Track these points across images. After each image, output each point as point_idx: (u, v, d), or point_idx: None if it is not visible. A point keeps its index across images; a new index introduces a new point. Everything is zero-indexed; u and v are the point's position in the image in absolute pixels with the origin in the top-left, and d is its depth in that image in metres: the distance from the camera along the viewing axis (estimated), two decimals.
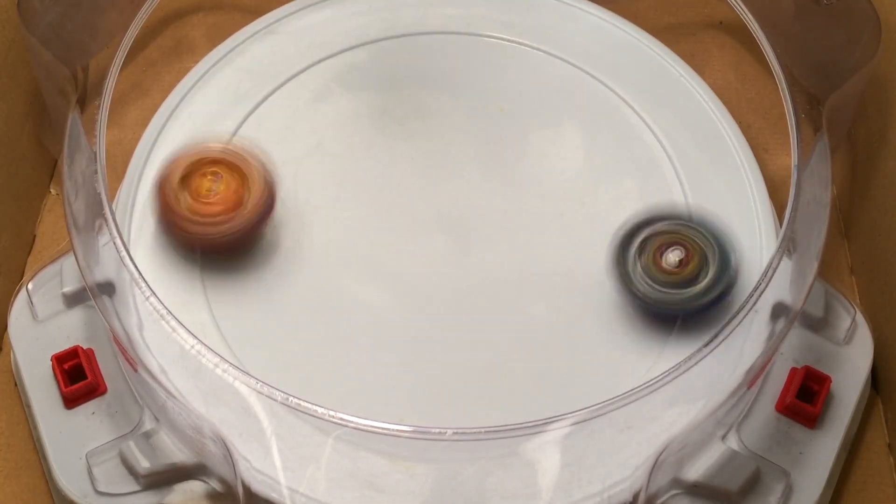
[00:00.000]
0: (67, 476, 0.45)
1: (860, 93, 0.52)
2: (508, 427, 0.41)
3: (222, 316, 0.48)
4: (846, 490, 0.48)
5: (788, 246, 0.45)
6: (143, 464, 0.44)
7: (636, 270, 0.47)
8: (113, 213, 0.45)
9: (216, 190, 0.48)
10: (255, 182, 0.48)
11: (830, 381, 0.46)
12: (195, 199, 0.48)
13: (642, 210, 0.49)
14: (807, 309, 0.48)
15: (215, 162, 0.48)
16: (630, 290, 0.47)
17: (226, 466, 0.43)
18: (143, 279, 0.43)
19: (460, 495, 0.43)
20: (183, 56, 0.61)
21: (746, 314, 0.43)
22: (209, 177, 0.48)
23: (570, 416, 0.41)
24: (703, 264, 0.47)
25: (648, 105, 0.55)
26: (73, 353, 0.47)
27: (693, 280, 0.46)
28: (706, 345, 0.42)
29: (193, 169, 0.48)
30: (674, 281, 0.47)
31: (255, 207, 0.48)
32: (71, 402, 0.46)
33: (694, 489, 0.44)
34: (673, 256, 0.46)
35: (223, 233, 0.48)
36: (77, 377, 0.46)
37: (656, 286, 0.47)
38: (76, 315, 0.49)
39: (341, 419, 0.40)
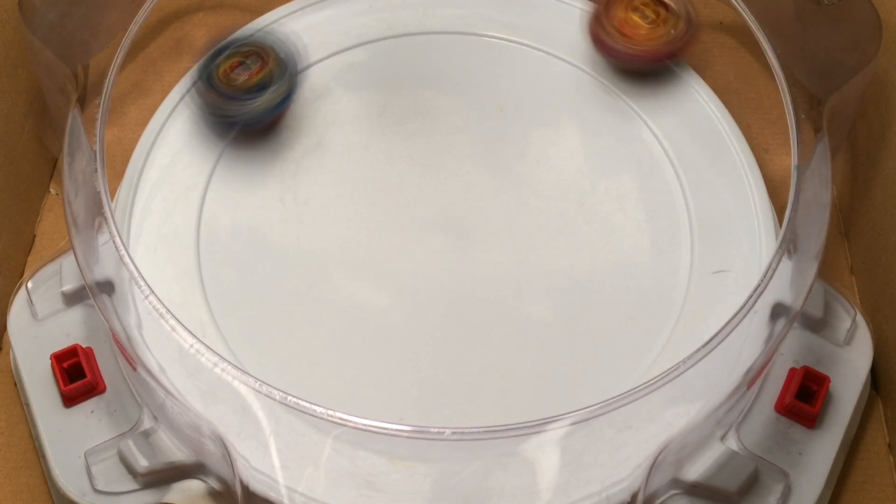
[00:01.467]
0: (66, 475, 0.45)
1: (861, 93, 0.52)
2: (507, 427, 0.41)
3: (221, 315, 0.48)
4: (846, 490, 0.48)
5: (788, 246, 0.45)
6: (142, 462, 0.44)
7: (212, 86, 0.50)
8: (112, 212, 0.45)
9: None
10: None
11: (829, 382, 0.46)
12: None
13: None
14: (806, 309, 0.48)
15: None
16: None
17: (224, 465, 0.43)
18: (143, 278, 0.43)
19: (459, 495, 0.43)
20: (183, 55, 0.61)
21: (746, 314, 0.43)
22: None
23: (569, 415, 0.41)
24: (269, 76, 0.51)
25: (648, 105, 0.55)
26: (73, 351, 0.47)
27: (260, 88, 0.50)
28: (705, 345, 0.42)
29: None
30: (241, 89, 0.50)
31: None
32: (70, 400, 0.46)
33: (693, 489, 0.44)
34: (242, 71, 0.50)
35: None
36: (76, 376, 0.46)
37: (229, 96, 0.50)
38: (75, 314, 0.49)
39: (340, 419, 0.40)
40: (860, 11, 0.51)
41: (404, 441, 0.41)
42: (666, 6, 0.53)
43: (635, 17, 0.53)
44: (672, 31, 0.53)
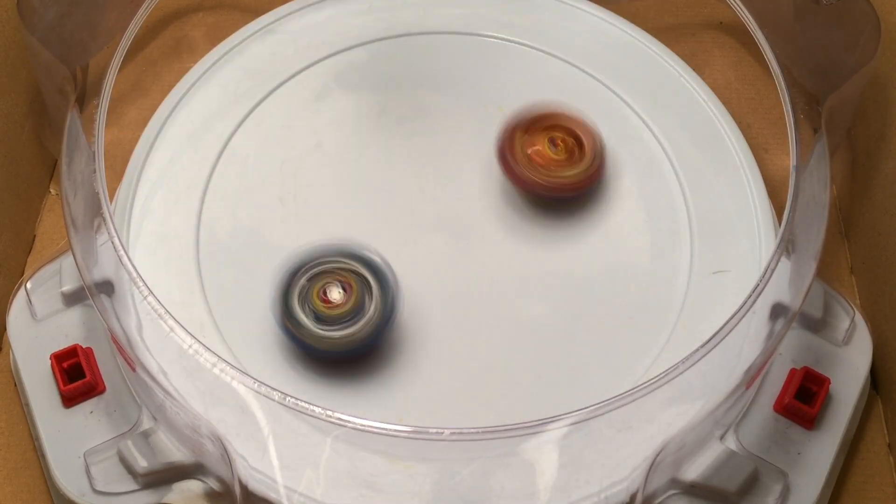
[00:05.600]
0: (66, 475, 0.45)
1: (860, 93, 0.52)
2: (506, 427, 0.41)
3: (221, 315, 0.48)
4: (846, 490, 0.48)
5: (787, 246, 0.45)
6: (141, 463, 0.44)
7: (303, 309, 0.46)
8: (111, 213, 0.45)
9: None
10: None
11: (829, 383, 0.46)
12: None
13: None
14: (805, 309, 0.48)
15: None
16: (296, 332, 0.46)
17: (223, 466, 0.43)
18: (141, 278, 0.43)
19: (458, 495, 0.43)
20: (183, 56, 0.61)
21: (745, 314, 0.43)
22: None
23: (568, 416, 0.41)
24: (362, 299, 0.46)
25: (648, 105, 0.55)
26: (72, 351, 0.47)
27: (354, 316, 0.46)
28: (704, 345, 0.42)
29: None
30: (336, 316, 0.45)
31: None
32: (69, 400, 0.46)
33: (692, 489, 0.44)
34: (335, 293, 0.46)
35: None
36: (76, 376, 0.46)
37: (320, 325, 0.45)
38: (75, 314, 0.49)
39: (339, 419, 0.40)
40: (859, 11, 0.51)
41: (404, 441, 0.41)
42: (581, 145, 0.51)
43: (548, 151, 0.50)
44: (584, 169, 0.50)
